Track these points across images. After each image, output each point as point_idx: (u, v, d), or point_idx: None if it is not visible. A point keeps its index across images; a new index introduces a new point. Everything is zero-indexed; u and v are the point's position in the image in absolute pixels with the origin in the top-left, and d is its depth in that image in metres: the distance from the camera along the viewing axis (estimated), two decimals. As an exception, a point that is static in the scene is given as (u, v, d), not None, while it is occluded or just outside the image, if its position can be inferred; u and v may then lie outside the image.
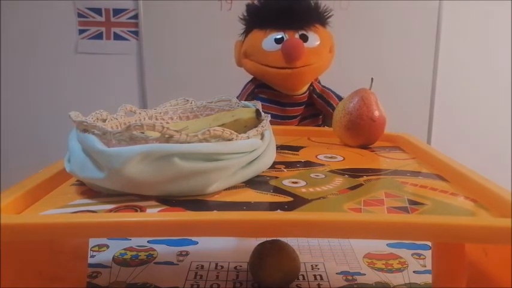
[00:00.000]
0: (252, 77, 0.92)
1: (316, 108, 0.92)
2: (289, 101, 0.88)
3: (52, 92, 1.78)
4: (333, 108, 0.90)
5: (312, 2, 0.88)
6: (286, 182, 0.43)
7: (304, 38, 0.85)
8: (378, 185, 0.43)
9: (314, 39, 0.86)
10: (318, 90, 0.90)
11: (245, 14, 0.90)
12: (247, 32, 0.90)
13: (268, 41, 0.85)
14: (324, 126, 0.94)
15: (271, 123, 0.86)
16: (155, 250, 0.66)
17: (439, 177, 0.47)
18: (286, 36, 0.84)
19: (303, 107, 0.90)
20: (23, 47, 1.75)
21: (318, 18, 0.88)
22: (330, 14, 0.90)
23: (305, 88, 0.89)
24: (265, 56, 0.85)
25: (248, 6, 0.89)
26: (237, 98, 0.91)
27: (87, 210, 0.36)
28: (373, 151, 0.60)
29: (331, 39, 0.90)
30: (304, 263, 0.62)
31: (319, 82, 0.93)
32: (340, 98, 0.90)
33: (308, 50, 0.83)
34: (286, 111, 0.88)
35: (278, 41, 0.84)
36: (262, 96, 0.90)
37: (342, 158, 0.55)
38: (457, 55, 1.75)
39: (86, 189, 0.41)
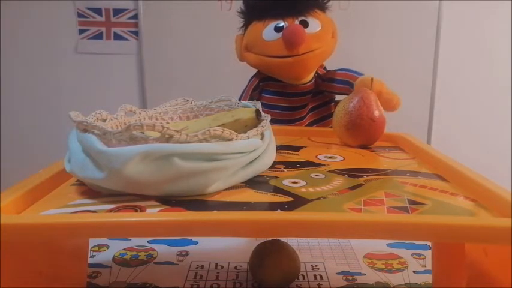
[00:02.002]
0: (256, 71, 0.91)
1: (326, 96, 0.90)
2: (295, 90, 0.87)
3: (52, 92, 1.78)
4: (351, 85, 0.86)
5: None
6: (286, 182, 0.43)
7: (305, 24, 0.83)
8: (378, 185, 0.43)
9: (315, 25, 0.83)
10: (323, 76, 0.88)
11: (243, 7, 0.88)
12: (246, 25, 0.88)
13: (268, 30, 0.83)
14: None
15: (280, 115, 0.86)
16: (155, 250, 0.66)
17: (439, 177, 0.47)
18: (285, 24, 0.82)
19: (310, 96, 0.88)
20: (23, 47, 1.75)
21: (317, 3, 0.86)
22: None
23: (310, 76, 0.87)
24: (267, 47, 0.83)
25: None
26: (242, 93, 0.90)
27: (87, 210, 0.36)
28: (373, 151, 0.60)
29: (332, 25, 0.87)
30: (304, 263, 0.62)
31: (324, 68, 0.90)
32: (358, 73, 0.86)
33: (309, 36, 0.81)
34: (293, 102, 0.87)
35: (278, 29, 0.82)
36: (268, 89, 0.88)
37: (342, 158, 0.55)
38: (457, 55, 1.75)
39: (86, 189, 0.41)
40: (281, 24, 0.82)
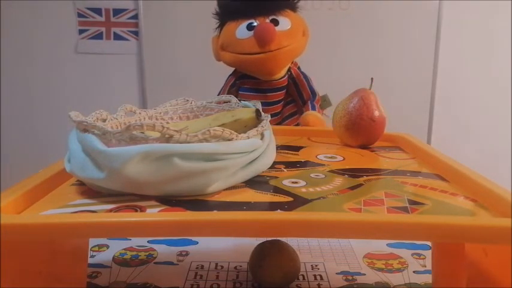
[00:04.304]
0: (232, 70, 0.95)
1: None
2: (269, 86, 0.91)
3: (52, 92, 1.78)
4: (303, 101, 0.94)
5: None
6: (286, 182, 0.43)
7: (275, 22, 0.88)
8: (378, 185, 0.43)
9: (285, 23, 0.88)
10: (293, 74, 0.93)
11: (217, 9, 0.93)
12: (221, 26, 0.93)
13: (241, 29, 0.88)
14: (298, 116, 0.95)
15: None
16: (155, 250, 0.66)
17: (439, 177, 0.47)
18: (257, 23, 0.87)
19: (284, 91, 0.93)
20: (23, 47, 1.75)
21: (287, 4, 0.91)
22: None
23: (283, 72, 0.92)
24: (240, 45, 0.88)
25: (218, 1, 0.93)
26: (220, 91, 0.96)
27: (87, 210, 0.36)
28: (373, 151, 0.60)
29: (303, 23, 0.92)
30: (304, 263, 0.62)
31: (298, 68, 0.95)
32: (313, 93, 0.93)
33: (280, 33, 0.86)
34: (268, 97, 0.92)
35: (250, 28, 0.87)
36: (244, 86, 0.93)
37: (342, 158, 0.55)
38: (457, 55, 1.75)
39: (86, 189, 0.41)
40: (253, 23, 0.87)
